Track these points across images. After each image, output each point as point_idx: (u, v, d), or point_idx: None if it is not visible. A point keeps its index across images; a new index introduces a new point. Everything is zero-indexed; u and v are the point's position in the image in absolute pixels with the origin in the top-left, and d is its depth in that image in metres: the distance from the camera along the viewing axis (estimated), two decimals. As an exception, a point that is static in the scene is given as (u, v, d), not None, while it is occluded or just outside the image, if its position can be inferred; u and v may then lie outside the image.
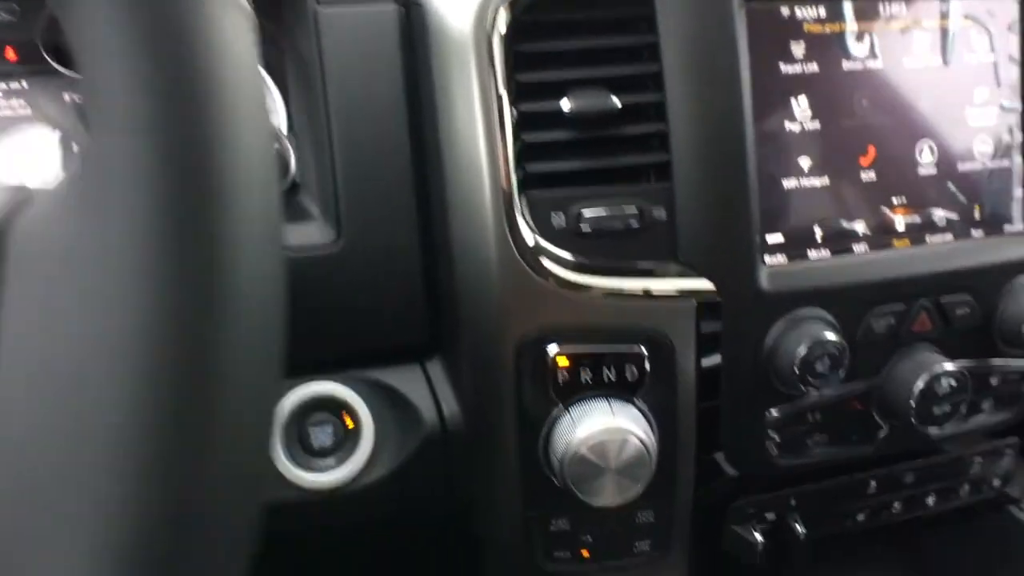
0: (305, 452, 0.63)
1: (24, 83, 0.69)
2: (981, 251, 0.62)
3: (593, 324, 0.55)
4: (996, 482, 0.72)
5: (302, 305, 0.64)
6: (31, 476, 0.26)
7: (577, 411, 0.56)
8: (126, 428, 0.25)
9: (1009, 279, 0.61)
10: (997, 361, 0.64)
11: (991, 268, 0.61)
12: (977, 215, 0.63)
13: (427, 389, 0.64)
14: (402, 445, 0.63)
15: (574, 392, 0.56)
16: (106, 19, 0.26)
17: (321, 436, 0.63)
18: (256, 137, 0.29)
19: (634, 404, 0.57)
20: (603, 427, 0.53)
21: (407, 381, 0.64)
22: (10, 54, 0.68)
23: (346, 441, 0.63)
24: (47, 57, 0.68)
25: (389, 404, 0.64)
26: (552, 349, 0.55)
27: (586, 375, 0.56)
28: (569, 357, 0.55)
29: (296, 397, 0.62)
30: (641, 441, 0.54)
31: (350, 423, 0.63)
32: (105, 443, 0.25)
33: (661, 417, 0.57)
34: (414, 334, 0.63)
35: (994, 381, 0.65)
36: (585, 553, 0.62)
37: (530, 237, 0.54)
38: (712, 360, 0.57)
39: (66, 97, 0.70)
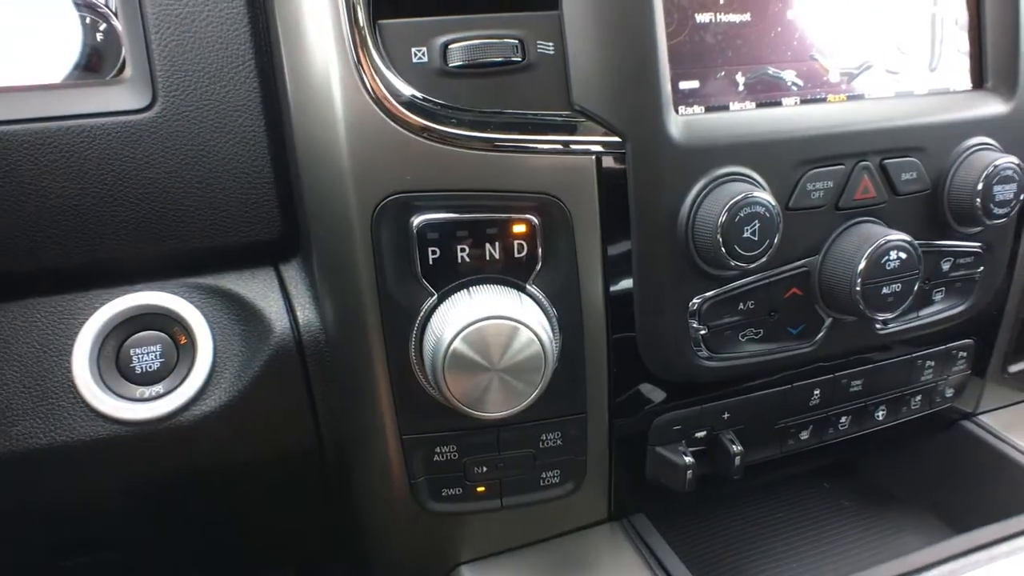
0: (125, 379, 0.50)
1: None
2: (927, 109, 0.53)
3: (467, 186, 0.44)
4: (949, 391, 0.64)
5: (113, 192, 0.51)
6: None
7: (453, 300, 0.44)
8: None
9: (958, 141, 0.53)
10: (949, 242, 0.55)
11: (938, 127, 0.52)
12: (920, 67, 0.54)
13: (279, 294, 0.51)
14: (247, 362, 0.50)
15: (449, 276, 0.44)
16: None
17: (145, 359, 0.50)
18: None
19: (526, 292, 0.46)
20: (485, 314, 0.42)
21: (254, 288, 0.52)
22: None
23: (177, 363, 0.50)
24: None
25: (231, 315, 0.51)
26: (418, 219, 0.43)
27: (462, 253, 0.44)
28: (439, 229, 0.44)
29: (111, 311, 0.49)
30: (533, 332, 0.43)
31: (183, 340, 0.50)
32: None
33: (560, 306, 0.47)
34: (262, 228, 0.51)
35: (945, 265, 0.56)
36: (480, 488, 0.51)
37: (387, 75, 0.42)
38: (619, 232, 0.47)
39: None
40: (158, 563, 0.68)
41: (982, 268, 0.58)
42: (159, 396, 0.49)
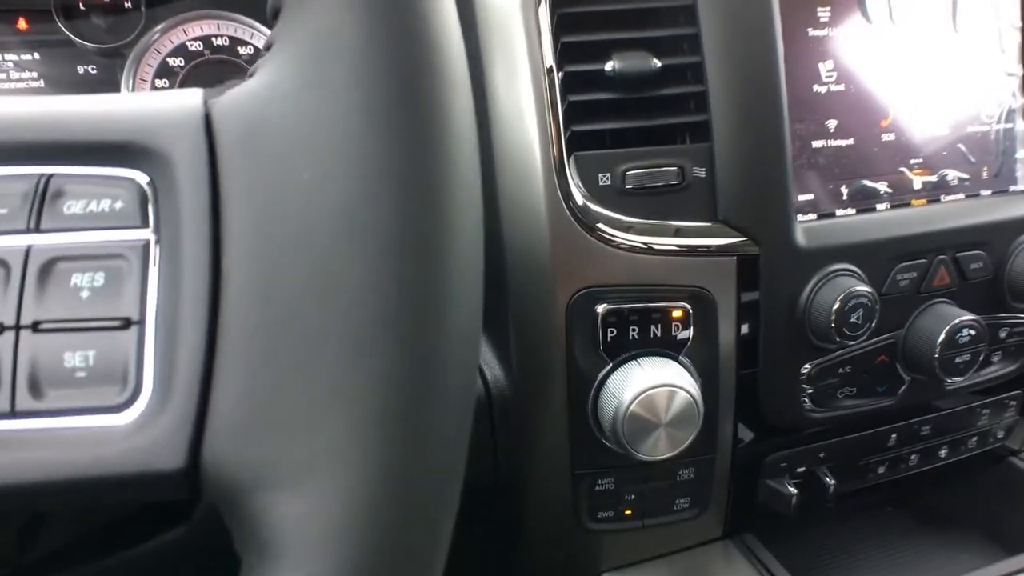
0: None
1: (36, 55, 0.67)
2: (991, 209, 0.65)
3: (639, 281, 0.56)
4: (1000, 433, 0.76)
5: None
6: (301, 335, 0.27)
7: (625, 369, 0.57)
8: (377, 285, 0.27)
9: (1017, 234, 0.65)
10: (1007, 315, 0.68)
11: (1000, 225, 0.65)
12: (985, 175, 0.66)
13: None
14: None
15: (622, 349, 0.57)
16: None
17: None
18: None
19: (679, 361, 0.58)
20: (654, 382, 0.55)
21: None
22: (22, 24, 0.66)
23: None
24: (61, 26, 0.66)
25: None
26: (601, 307, 0.56)
27: (633, 332, 0.57)
28: (618, 314, 0.56)
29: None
30: (690, 394, 0.55)
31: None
32: (362, 300, 0.27)
33: (705, 373, 0.59)
34: None
35: (1003, 334, 0.68)
36: (628, 512, 0.63)
37: (580, 196, 0.55)
38: (751, 316, 0.59)
39: (79, 69, 0.68)
40: None
41: (1032, 335, 0.70)
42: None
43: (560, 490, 0.62)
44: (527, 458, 0.63)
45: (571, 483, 0.61)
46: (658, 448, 0.56)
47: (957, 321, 0.61)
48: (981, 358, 0.63)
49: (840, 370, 0.63)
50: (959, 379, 0.63)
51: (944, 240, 0.62)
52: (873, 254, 0.60)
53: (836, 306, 0.57)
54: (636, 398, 0.54)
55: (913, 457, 0.72)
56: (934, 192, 0.64)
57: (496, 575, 0.77)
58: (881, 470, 0.70)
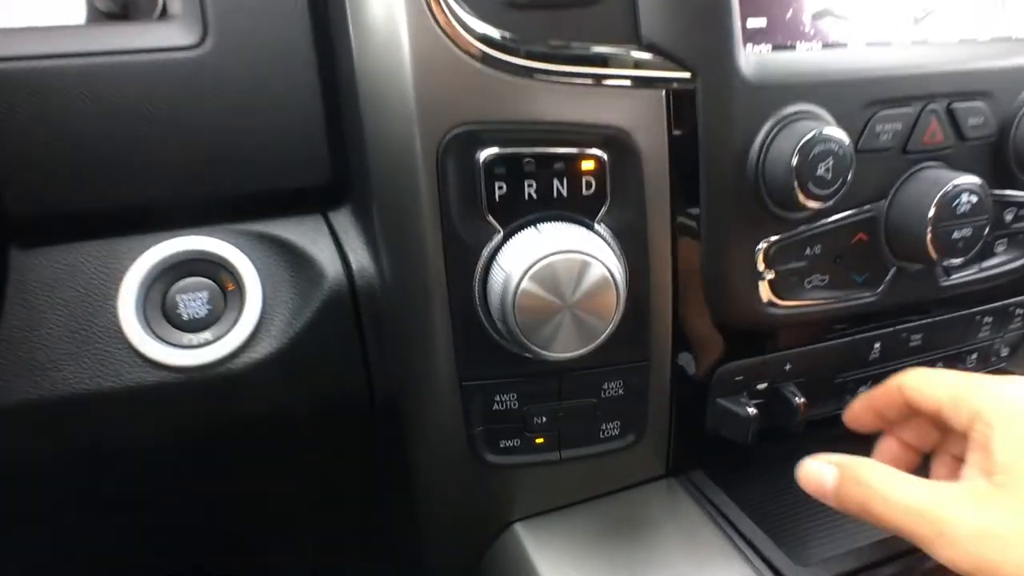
0: (172, 326, 0.48)
1: None
2: (991, 55, 0.52)
3: (535, 118, 0.42)
4: (1004, 351, 0.63)
5: (160, 132, 0.49)
6: None
7: (520, 238, 0.43)
8: None
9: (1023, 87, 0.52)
10: (1014, 192, 0.54)
11: (1003, 72, 0.51)
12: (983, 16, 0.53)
13: (330, 240, 0.50)
14: (299, 309, 0.49)
15: (515, 214, 0.43)
16: None
17: (192, 305, 0.48)
18: None
19: (594, 230, 0.45)
20: (554, 248, 0.41)
21: (304, 234, 0.50)
22: None
23: (225, 310, 0.49)
24: None
25: (281, 262, 0.50)
26: (485, 153, 0.42)
27: (530, 189, 0.43)
28: (507, 164, 0.42)
29: (156, 256, 0.48)
30: (604, 265, 0.41)
31: (230, 287, 0.49)
32: None
33: (629, 248, 0.45)
34: (312, 173, 0.50)
35: (1008, 216, 0.55)
36: (539, 440, 0.49)
37: (453, 8, 0.41)
38: (688, 171, 0.46)
39: None
40: (194, 531, 0.66)
41: (1044, 221, 0.57)
42: (207, 343, 0.48)
43: (447, 410, 0.47)
44: (404, 367, 0.49)
45: (460, 399, 0.47)
46: (564, 341, 0.42)
47: (955, 183, 0.47)
48: (984, 237, 0.50)
49: (807, 250, 0.49)
50: (957, 262, 0.49)
51: (935, 84, 0.49)
52: (844, 95, 0.47)
53: (797, 155, 0.43)
54: (530, 269, 0.41)
55: (901, 376, 0.58)
56: (919, 31, 0.51)
57: (399, 533, 0.63)
58: (862, 390, 0.56)
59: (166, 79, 0.45)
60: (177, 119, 0.46)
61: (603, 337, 0.43)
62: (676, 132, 0.45)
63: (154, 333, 0.47)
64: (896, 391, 0.48)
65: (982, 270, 0.56)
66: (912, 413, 0.48)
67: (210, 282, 0.49)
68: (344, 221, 0.51)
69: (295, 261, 0.50)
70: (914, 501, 0.40)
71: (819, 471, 0.46)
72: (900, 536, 0.41)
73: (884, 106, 0.48)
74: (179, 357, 0.47)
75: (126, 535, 0.67)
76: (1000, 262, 0.56)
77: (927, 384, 0.46)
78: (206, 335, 0.48)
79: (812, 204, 0.45)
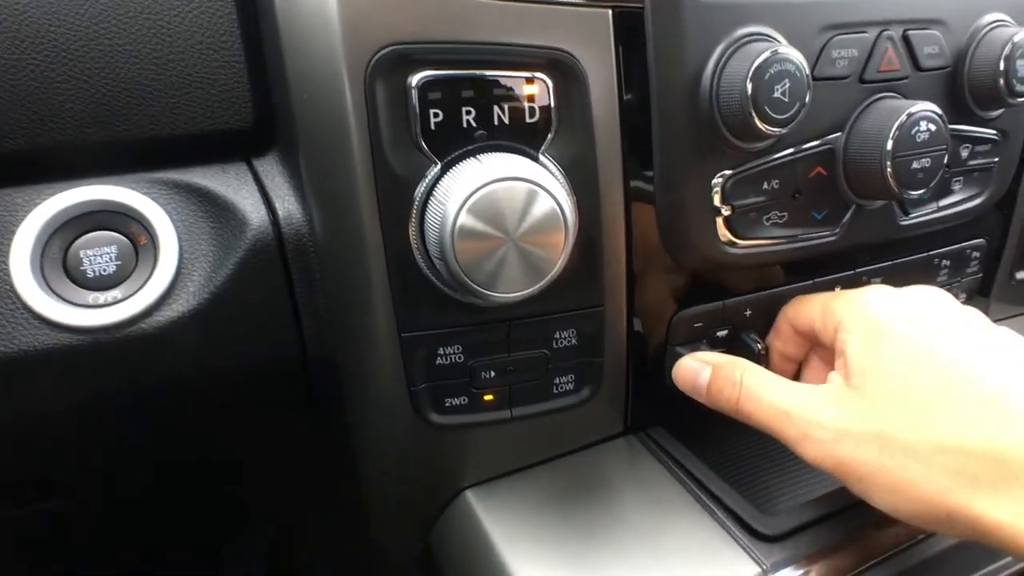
0: (76, 284, 0.43)
1: None
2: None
3: (472, 38, 0.39)
4: (962, 296, 0.62)
5: (55, 64, 0.43)
6: None
7: (459, 169, 0.39)
8: None
9: (976, 16, 0.50)
10: (969, 126, 0.53)
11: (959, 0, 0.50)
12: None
13: (254, 188, 0.46)
14: (219, 263, 0.44)
15: (453, 144, 0.39)
16: None
17: (98, 261, 0.43)
18: None
19: (539, 161, 0.41)
20: (495, 176, 0.37)
21: (225, 182, 0.46)
22: None
23: (137, 266, 0.44)
24: None
25: (199, 211, 0.45)
26: (418, 77, 0.38)
27: (468, 116, 0.39)
28: (443, 88, 0.39)
29: (55, 207, 0.42)
30: (551, 194, 0.38)
31: (143, 240, 0.44)
32: None
33: (576, 179, 0.42)
34: (233, 115, 0.45)
35: (964, 152, 0.54)
36: (488, 397, 0.46)
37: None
38: (638, 97, 0.42)
39: None
40: (122, 521, 0.61)
41: (998, 158, 0.55)
42: (116, 302, 0.43)
43: (387, 366, 0.43)
44: (338, 320, 0.45)
45: (400, 353, 0.43)
46: (509, 280, 0.38)
47: (914, 110, 0.45)
48: (942, 167, 0.48)
49: (765, 184, 0.46)
50: (917, 193, 0.47)
51: (891, 9, 0.47)
52: (799, 18, 0.44)
53: (752, 77, 0.41)
54: (469, 199, 0.37)
55: (862, 323, 0.56)
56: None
57: (347, 504, 0.59)
58: (823, 337, 0.54)
59: (59, 3, 0.40)
60: (74, 50, 0.41)
61: (552, 275, 0.39)
62: (624, 55, 0.42)
63: (52, 291, 0.42)
64: (786, 326, 0.49)
65: (940, 208, 0.54)
66: (811, 343, 0.49)
67: (119, 236, 0.44)
68: (270, 169, 0.46)
69: (215, 212, 0.45)
70: (782, 403, 0.42)
71: (693, 369, 0.47)
72: (768, 435, 0.42)
73: (840, 31, 0.45)
74: (81, 317, 0.42)
75: (60, 524, 0.60)
76: (956, 200, 0.55)
77: (802, 308, 0.48)
78: (115, 293, 0.43)
79: (769, 129, 0.42)
